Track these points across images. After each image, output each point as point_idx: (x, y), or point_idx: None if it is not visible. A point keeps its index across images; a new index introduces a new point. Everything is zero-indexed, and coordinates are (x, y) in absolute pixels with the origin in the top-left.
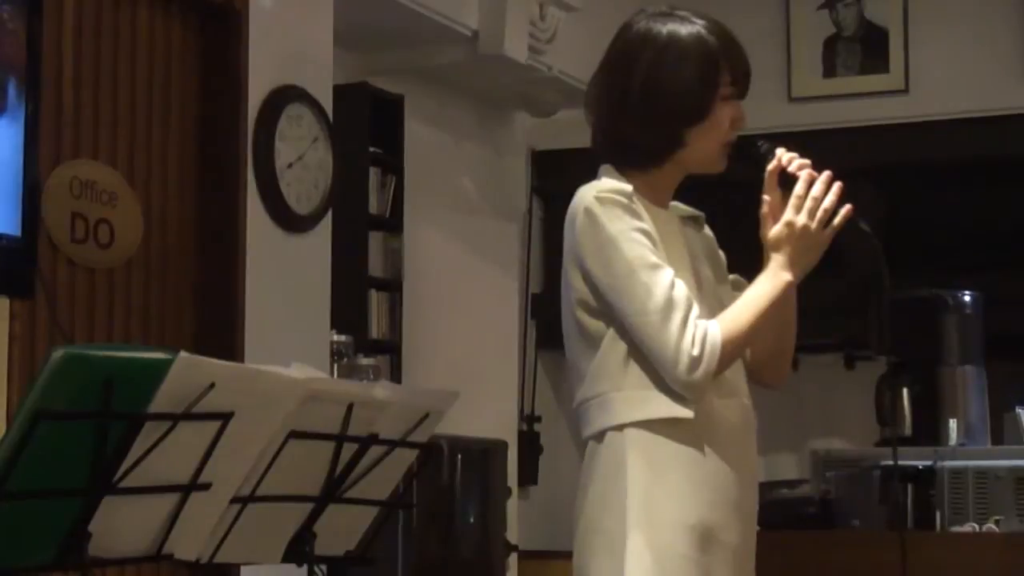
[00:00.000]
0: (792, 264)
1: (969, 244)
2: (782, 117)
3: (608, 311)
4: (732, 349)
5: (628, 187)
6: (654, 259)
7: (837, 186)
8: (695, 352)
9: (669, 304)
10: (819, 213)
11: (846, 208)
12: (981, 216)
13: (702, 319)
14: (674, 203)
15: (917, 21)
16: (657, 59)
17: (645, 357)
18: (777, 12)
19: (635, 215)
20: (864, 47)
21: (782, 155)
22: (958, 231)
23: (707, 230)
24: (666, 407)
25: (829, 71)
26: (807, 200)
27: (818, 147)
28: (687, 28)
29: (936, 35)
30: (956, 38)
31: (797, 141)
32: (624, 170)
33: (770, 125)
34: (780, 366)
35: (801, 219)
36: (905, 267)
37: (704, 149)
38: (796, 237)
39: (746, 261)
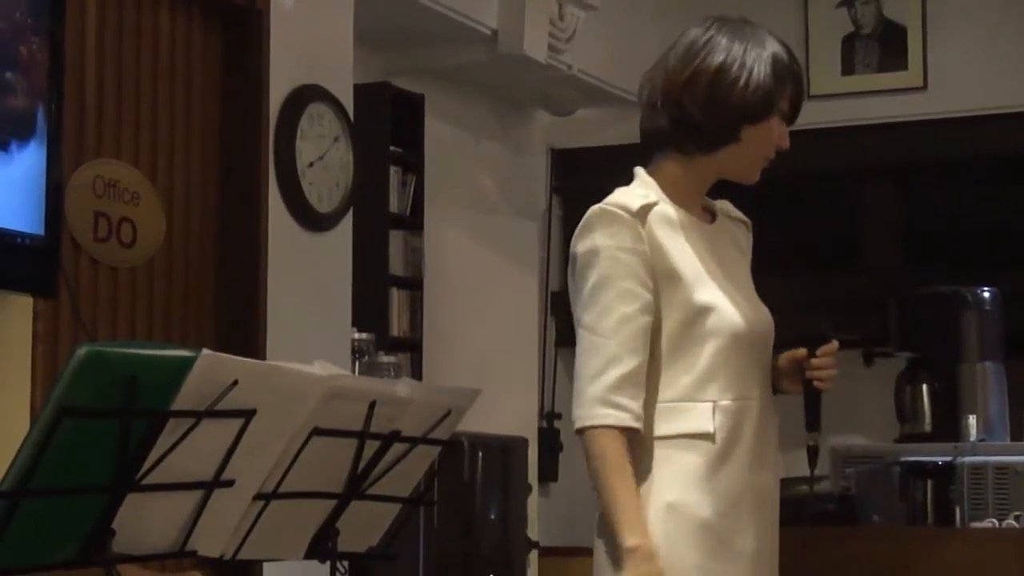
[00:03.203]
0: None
1: (988, 240)
2: (801, 115)
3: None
4: (599, 442)
5: (635, 205)
6: (627, 284)
7: None
8: (614, 399)
9: (614, 332)
10: None
11: None
12: (1000, 212)
13: (642, 389)
14: (723, 201)
15: (936, 18)
16: (738, 51)
17: (657, 370)
18: (796, 10)
19: (632, 233)
20: (883, 44)
21: (823, 360)
22: (977, 228)
23: (749, 238)
24: (684, 423)
25: (848, 69)
26: None
27: (837, 145)
28: (769, 38)
29: (955, 32)
30: (975, 35)
31: (816, 139)
32: (663, 162)
33: None
34: None
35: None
36: (924, 264)
37: (750, 153)
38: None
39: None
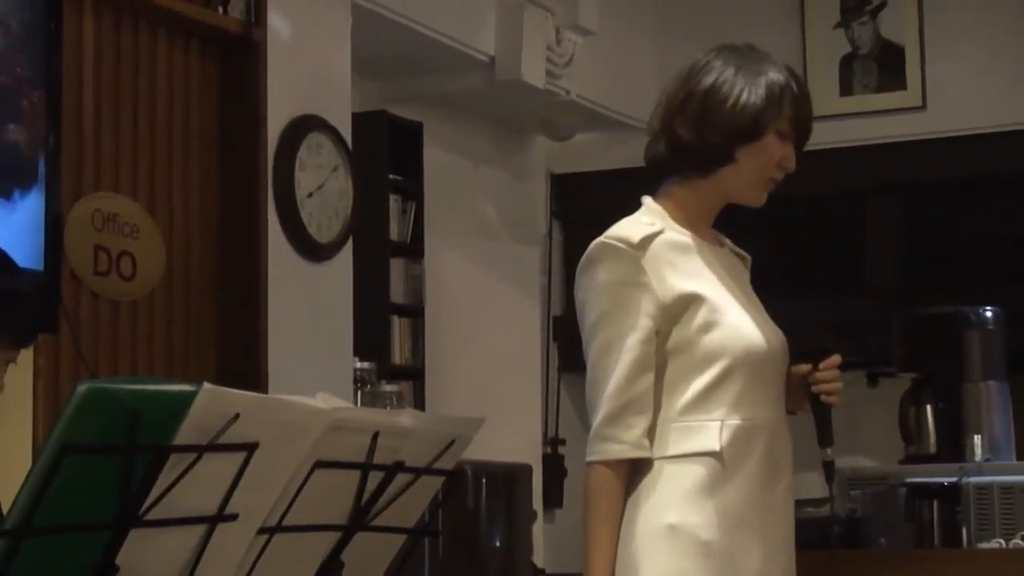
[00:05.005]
0: None
1: (990, 259)
2: None
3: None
4: (594, 479)
5: (636, 237)
6: (627, 319)
7: None
8: (608, 432)
9: (613, 365)
10: None
11: None
12: (1001, 231)
13: (644, 416)
14: (724, 239)
15: (933, 38)
16: (730, 72)
17: (667, 392)
18: (793, 31)
19: (632, 266)
20: (881, 65)
21: (827, 373)
22: (979, 246)
23: (747, 274)
24: (691, 443)
25: (846, 89)
26: None
27: (837, 165)
28: (770, 62)
29: (952, 51)
30: (972, 54)
31: (815, 160)
32: (669, 189)
33: None
34: None
35: None
36: (927, 284)
37: (749, 173)
38: None
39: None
